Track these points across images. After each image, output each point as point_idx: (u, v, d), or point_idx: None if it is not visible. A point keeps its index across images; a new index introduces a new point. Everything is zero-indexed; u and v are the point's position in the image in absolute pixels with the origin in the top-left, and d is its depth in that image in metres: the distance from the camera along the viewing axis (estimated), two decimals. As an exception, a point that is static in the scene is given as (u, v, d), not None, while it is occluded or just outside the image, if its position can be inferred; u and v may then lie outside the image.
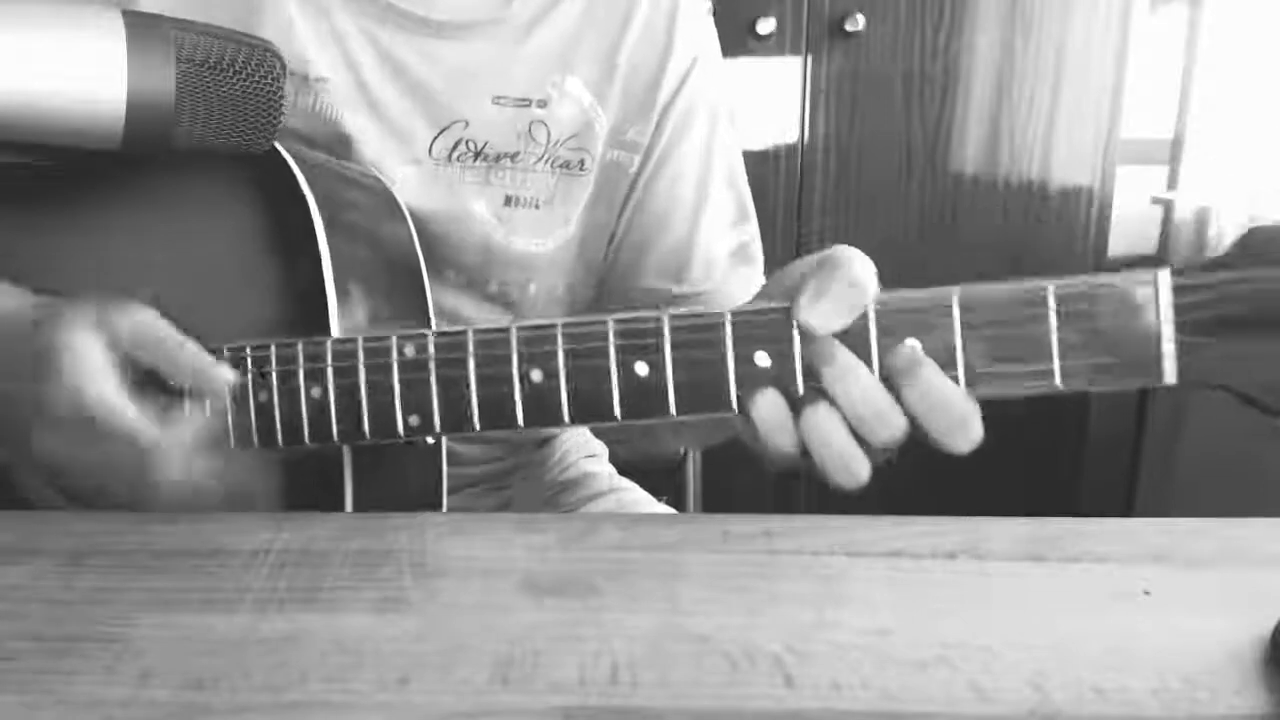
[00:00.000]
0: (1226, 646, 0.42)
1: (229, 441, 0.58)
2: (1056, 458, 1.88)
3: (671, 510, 0.92)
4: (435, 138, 0.73)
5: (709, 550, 0.51)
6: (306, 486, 0.62)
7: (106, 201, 0.65)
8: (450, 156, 0.74)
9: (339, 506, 0.60)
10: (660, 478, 1.11)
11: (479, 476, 0.86)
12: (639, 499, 0.91)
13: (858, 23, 1.67)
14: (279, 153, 0.61)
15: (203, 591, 0.47)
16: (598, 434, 1.00)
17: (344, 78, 0.72)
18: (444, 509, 0.66)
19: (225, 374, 0.57)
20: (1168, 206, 1.98)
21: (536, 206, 0.76)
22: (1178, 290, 0.46)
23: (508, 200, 0.75)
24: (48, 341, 0.55)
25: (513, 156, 0.75)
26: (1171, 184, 2.00)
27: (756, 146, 1.73)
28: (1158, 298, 0.46)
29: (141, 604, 0.46)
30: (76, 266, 0.65)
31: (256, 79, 0.58)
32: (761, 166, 1.73)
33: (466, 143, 0.74)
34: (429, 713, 0.38)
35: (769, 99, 1.73)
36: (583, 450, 0.95)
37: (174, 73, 0.55)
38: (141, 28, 0.55)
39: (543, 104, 0.75)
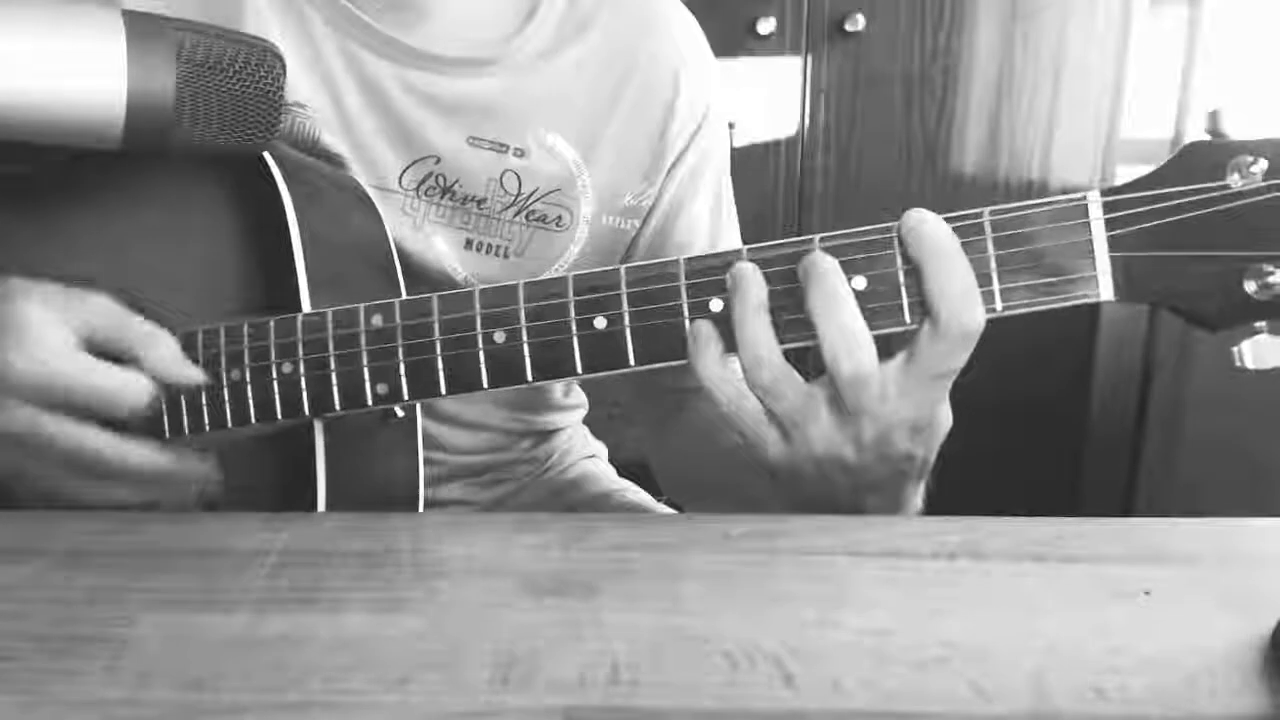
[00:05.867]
0: (1226, 646, 0.42)
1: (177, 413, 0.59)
2: (1056, 458, 1.88)
3: (671, 510, 0.92)
4: (406, 169, 0.72)
5: (709, 550, 0.51)
6: (279, 477, 0.63)
7: (97, 201, 0.65)
8: (419, 190, 0.73)
9: (312, 493, 0.60)
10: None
11: (476, 467, 0.86)
12: (639, 499, 0.90)
13: (858, 23, 1.67)
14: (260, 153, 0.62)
15: (203, 591, 0.47)
16: (597, 434, 1.00)
17: (323, 100, 0.71)
18: (421, 498, 0.66)
19: (196, 373, 0.58)
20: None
21: (505, 256, 0.75)
22: (1108, 208, 0.48)
23: (468, 244, 0.74)
24: (5, 315, 0.55)
25: (480, 202, 0.73)
26: (1171, 184, 1.99)
27: (756, 146, 1.73)
28: (1089, 215, 0.48)
29: (141, 604, 0.46)
30: (65, 263, 0.65)
31: (256, 79, 0.58)
32: (761, 166, 1.73)
33: (436, 178, 0.73)
34: (429, 713, 0.38)
35: (769, 99, 1.72)
36: (583, 450, 0.95)
37: (174, 73, 0.55)
38: (141, 28, 0.55)
39: (520, 153, 0.73)
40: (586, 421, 0.98)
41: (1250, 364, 0.48)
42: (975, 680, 0.40)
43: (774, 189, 1.74)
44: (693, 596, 0.46)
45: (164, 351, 0.57)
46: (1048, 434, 1.84)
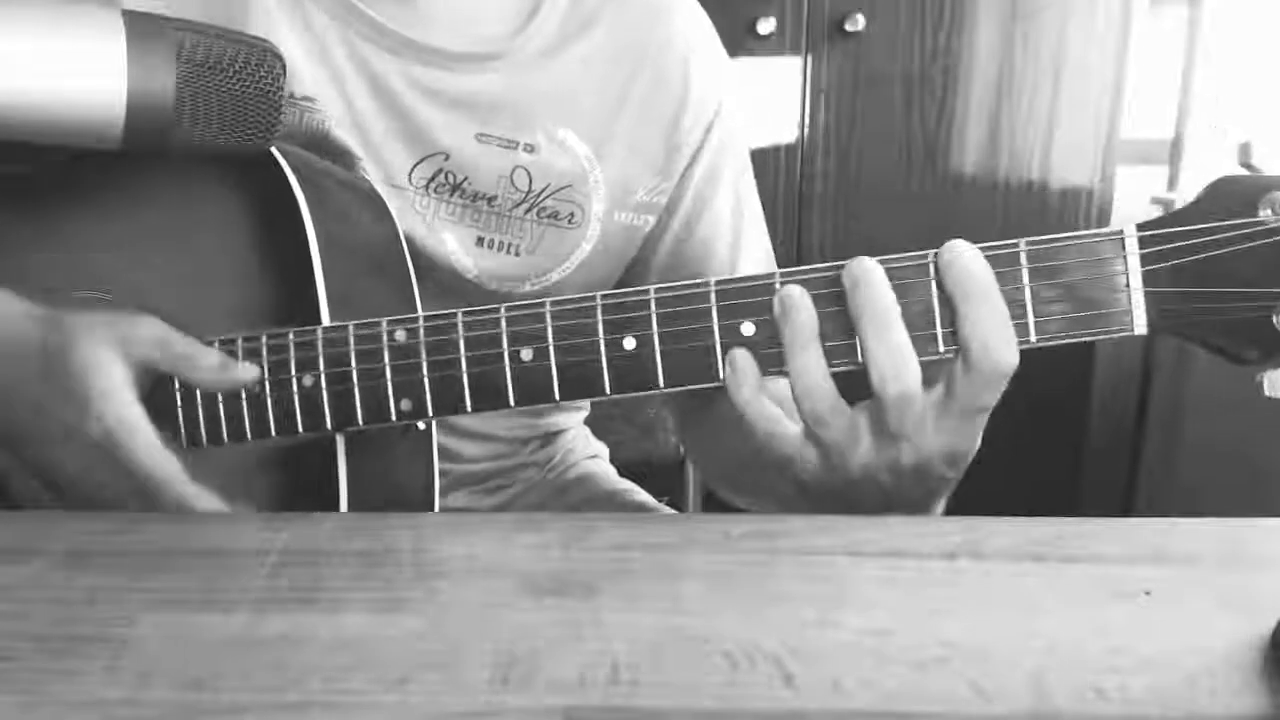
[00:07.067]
0: (1226, 646, 0.42)
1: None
2: (1056, 458, 1.88)
3: (671, 510, 0.92)
4: (415, 166, 0.72)
5: (709, 550, 0.51)
6: (300, 486, 0.63)
7: (100, 201, 0.65)
8: (428, 186, 0.72)
9: (334, 506, 0.60)
10: (660, 478, 1.11)
11: (480, 475, 0.86)
12: (640, 499, 0.90)
13: (858, 23, 1.67)
14: (271, 152, 0.62)
15: (203, 591, 0.47)
16: (599, 435, 1.00)
17: (331, 95, 0.71)
18: (436, 503, 0.66)
19: (247, 372, 0.58)
20: (1168, 207, 1.97)
21: (516, 254, 0.74)
22: (1143, 242, 0.48)
23: (479, 241, 0.73)
24: (65, 356, 0.55)
25: (490, 199, 0.73)
26: (1171, 184, 1.99)
27: (756, 146, 1.73)
28: (1125, 250, 0.48)
29: (141, 604, 0.46)
30: (69, 264, 0.65)
31: (256, 79, 0.58)
32: (761, 166, 1.73)
33: (446, 174, 0.72)
34: (429, 713, 0.38)
35: (769, 99, 1.72)
36: (584, 451, 0.95)
37: (174, 73, 0.55)
38: (141, 28, 0.55)
39: (530, 149, 0.73)
40: (587, 422, 0.98)
41: (1274, 394, 0.48)
42: (975, 680, 0.40)
43: (774, 190, 1.74)
44: (693, 596, 0.46)
45: (210, 363, 0.58)
46: (1048, 434, 1.84)
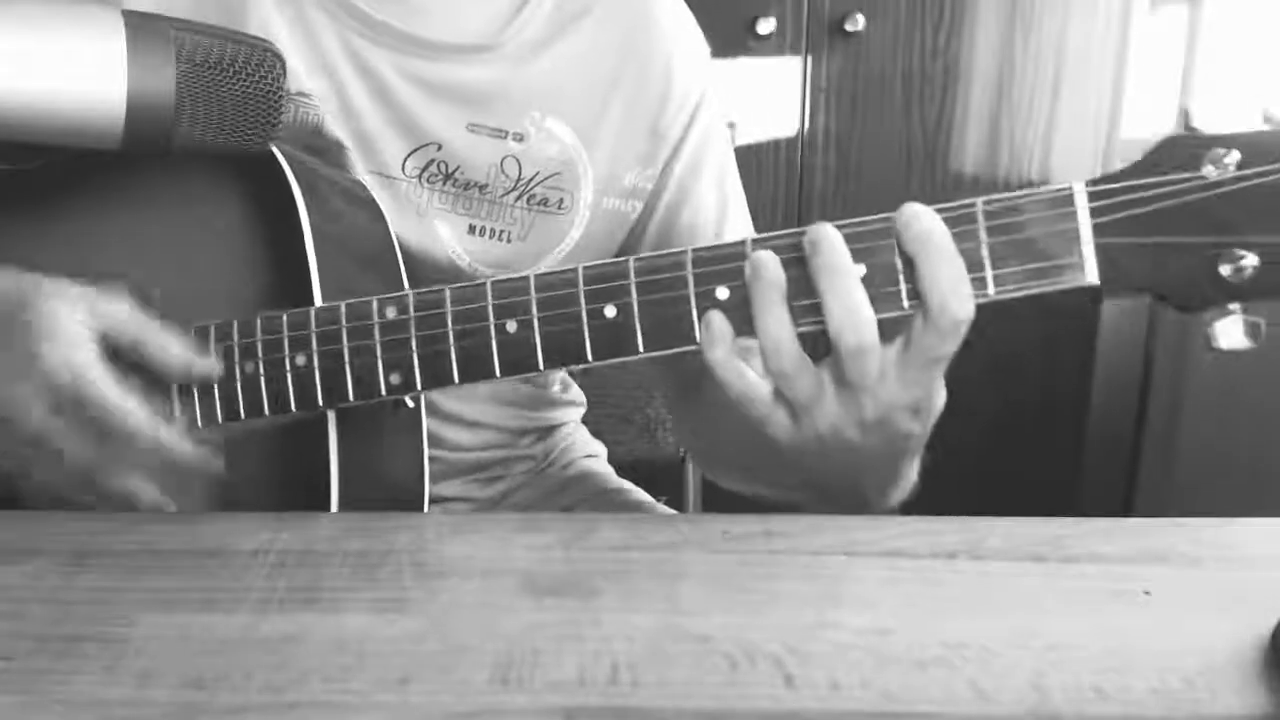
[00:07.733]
0: (1226, 646, 0.42)
1: (197, 426, 0.60)
2: (1056, 458, 1.88)
3: (671, 510, 0.92)
4: (408, 156, 0.73)
5: (709, 550, 0.51)
6: (291, 471, 0.63)
7: (100, 199, 0.65)
8: (421, 177, 0.73)
9: (324, 489, 0.60)
10: (660, 478, 1.11)
11: (473, 464, 0.86)
12: (639, 499, 0.91)
13: (858, 23, 1.67)
14: (271, 152, 0.62)
15: (203, 591, 0.47)
16: (597, 435, 1.00)
17: (325, 89, 0.72)
18: (427, 488, 0.66)
19: (211, 365, 0.59)
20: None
21: (507, 240, 0.75)
22: (1093, 196, 0.50)
23: (471, 229, 0.75)
24: (33, 306, 0.56)
25: (481, 187, 0.74)
26: (1171, 184, 1.99)
27: (757, 145, 1.73)
28: (1075, 204, 0.50)
29: (141, 604, 0.46)
30: (69, 262, 0.65)
31: (256, 79, 0.58)
32: (761, 166, 1.73)
33: (438, 164, 0.73)
34: (429, 713, 0.38)
35: (769, 99, 1.72)
36: (583, 449, 0.95)
37: (174, 73, 0.55)
38: (142, 28, 0.55)
39: (519, 138, 0.74)
40: (586, 422, 0.99)
41: (1223, 344, 0.50)
42: (975, 680, 0.40)
43: (774, 189, 1.74)
44: (693, 596, 0.46)
45: (177, 352, 0.59)
46: (1048, 434, 1.84)
